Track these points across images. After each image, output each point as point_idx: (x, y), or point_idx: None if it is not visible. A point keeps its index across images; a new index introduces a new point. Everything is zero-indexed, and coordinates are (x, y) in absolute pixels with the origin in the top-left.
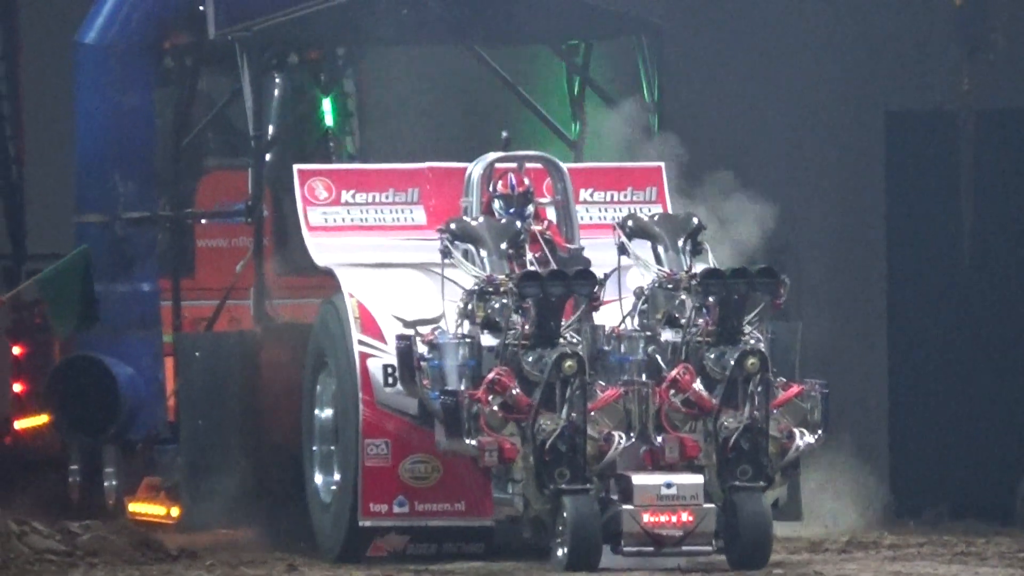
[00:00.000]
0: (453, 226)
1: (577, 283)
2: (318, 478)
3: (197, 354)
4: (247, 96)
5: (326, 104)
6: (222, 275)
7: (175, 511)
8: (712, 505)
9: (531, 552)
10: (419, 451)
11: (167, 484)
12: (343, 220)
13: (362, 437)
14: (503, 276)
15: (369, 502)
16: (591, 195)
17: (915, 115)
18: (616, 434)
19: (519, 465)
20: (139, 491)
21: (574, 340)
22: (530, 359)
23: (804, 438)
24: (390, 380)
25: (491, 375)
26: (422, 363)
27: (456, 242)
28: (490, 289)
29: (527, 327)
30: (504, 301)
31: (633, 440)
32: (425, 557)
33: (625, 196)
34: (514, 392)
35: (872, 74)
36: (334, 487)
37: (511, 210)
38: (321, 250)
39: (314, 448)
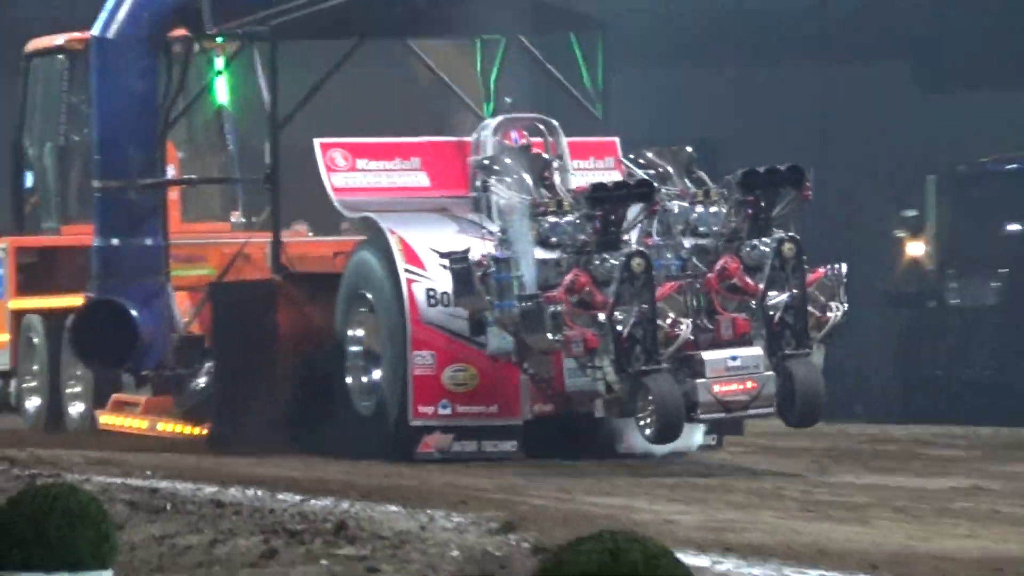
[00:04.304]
0: (487, 162)
1: (641, 190)
2: (359, 400)
3: (229, 299)
4: (261, 79)
5: (220, 82)
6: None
7: (193, 430)
8: (771, 372)
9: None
10: (459, 361)
11: (185, 406)
12: (360, 183)
13: (411, 349)
14: (548, 198)
15: (418, 405)
16: None
17: None
18: (682, 320)
19: (600, 353)
20: (108, 405)
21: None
22: (597, 262)
23: (838, 310)
24: (431, 301)
25: (569, 277)
26: (486, 277)
27: (492, 177)
28: (540, 209)
29: (588, 237)
30: (554, 219)
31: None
32: (468, 455)
33: (588, 164)
34: (590, 290)
35: None
36: (379, 401)
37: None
38: (348, 207)
39: (348, 380)
